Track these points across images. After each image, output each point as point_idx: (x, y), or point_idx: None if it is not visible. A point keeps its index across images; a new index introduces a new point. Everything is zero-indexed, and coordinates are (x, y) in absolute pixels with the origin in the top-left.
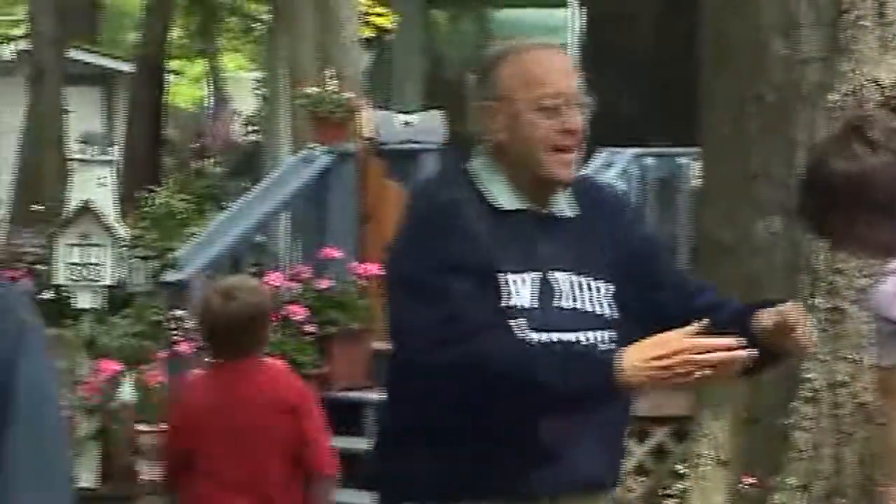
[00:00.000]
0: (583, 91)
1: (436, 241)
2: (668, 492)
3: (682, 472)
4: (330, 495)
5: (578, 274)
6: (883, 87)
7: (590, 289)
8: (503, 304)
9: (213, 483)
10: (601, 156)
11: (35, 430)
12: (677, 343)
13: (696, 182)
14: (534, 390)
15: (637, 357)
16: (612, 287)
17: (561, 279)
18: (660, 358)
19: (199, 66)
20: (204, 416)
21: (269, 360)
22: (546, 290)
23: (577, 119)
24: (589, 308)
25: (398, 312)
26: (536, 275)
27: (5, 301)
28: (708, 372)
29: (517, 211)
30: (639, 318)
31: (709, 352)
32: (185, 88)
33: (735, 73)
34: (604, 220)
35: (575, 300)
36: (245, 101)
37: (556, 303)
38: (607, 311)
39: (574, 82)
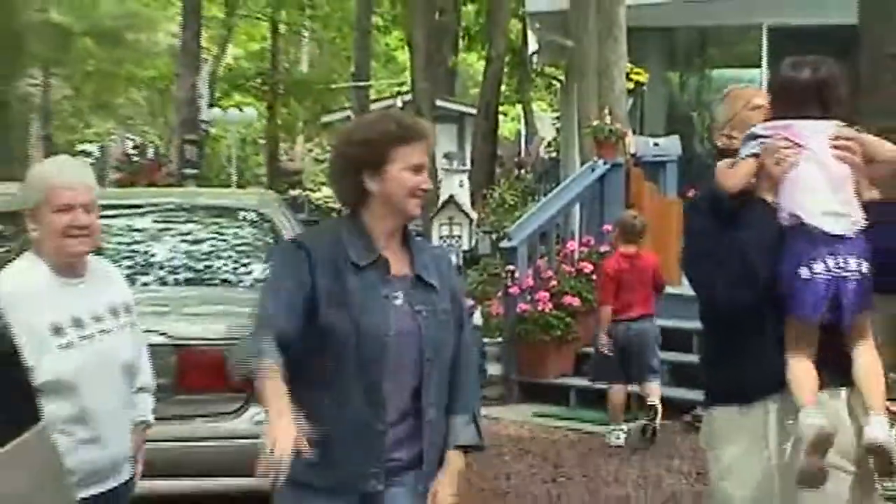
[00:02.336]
0: None
1: None
2: None
3: None
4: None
5: None
6: None
7: None
8: None
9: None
10: None
11: (471, 352)
12: None
13: None
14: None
15: None
16: None
17: None
18: None
19: (516, 109)
20: (619, 272)
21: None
22: None
23: None
24: None
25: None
26: None
27: (451, 261)
28: None
29: None
30: None
31: None
32: (508, 123)
33: None
34: None
35: None
36: (547, 131)
37: None
38: None
39: None
